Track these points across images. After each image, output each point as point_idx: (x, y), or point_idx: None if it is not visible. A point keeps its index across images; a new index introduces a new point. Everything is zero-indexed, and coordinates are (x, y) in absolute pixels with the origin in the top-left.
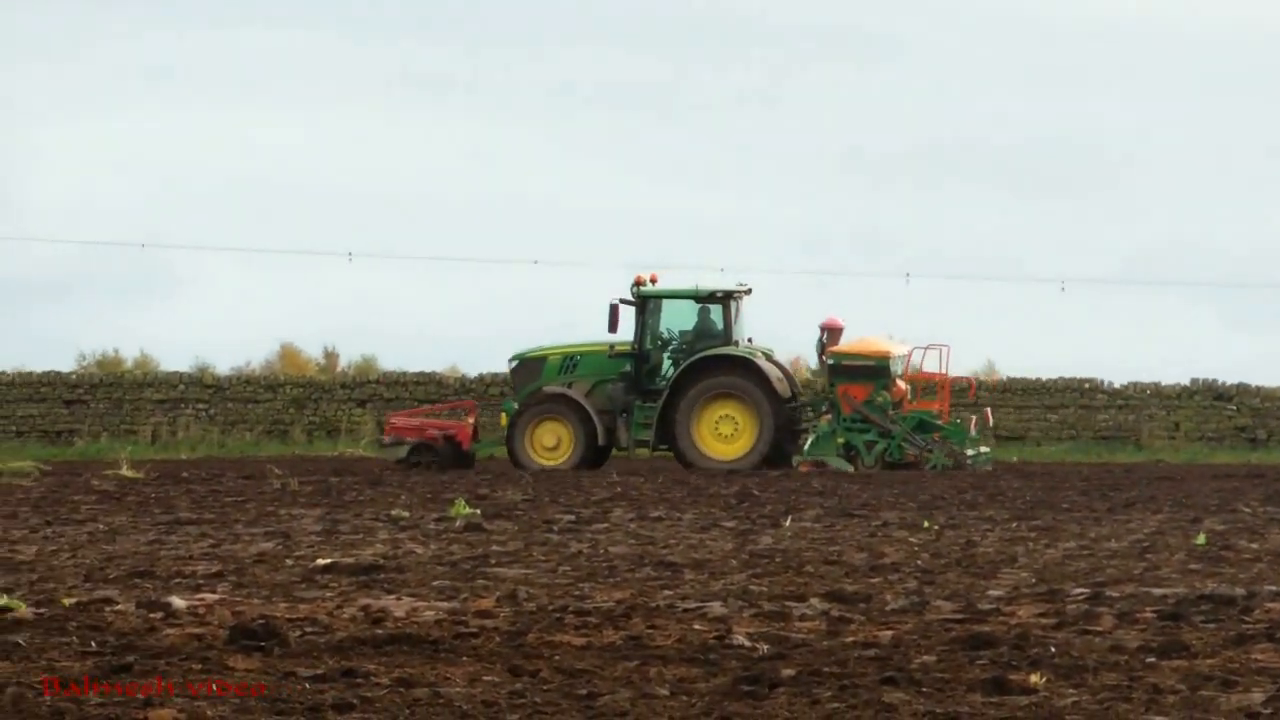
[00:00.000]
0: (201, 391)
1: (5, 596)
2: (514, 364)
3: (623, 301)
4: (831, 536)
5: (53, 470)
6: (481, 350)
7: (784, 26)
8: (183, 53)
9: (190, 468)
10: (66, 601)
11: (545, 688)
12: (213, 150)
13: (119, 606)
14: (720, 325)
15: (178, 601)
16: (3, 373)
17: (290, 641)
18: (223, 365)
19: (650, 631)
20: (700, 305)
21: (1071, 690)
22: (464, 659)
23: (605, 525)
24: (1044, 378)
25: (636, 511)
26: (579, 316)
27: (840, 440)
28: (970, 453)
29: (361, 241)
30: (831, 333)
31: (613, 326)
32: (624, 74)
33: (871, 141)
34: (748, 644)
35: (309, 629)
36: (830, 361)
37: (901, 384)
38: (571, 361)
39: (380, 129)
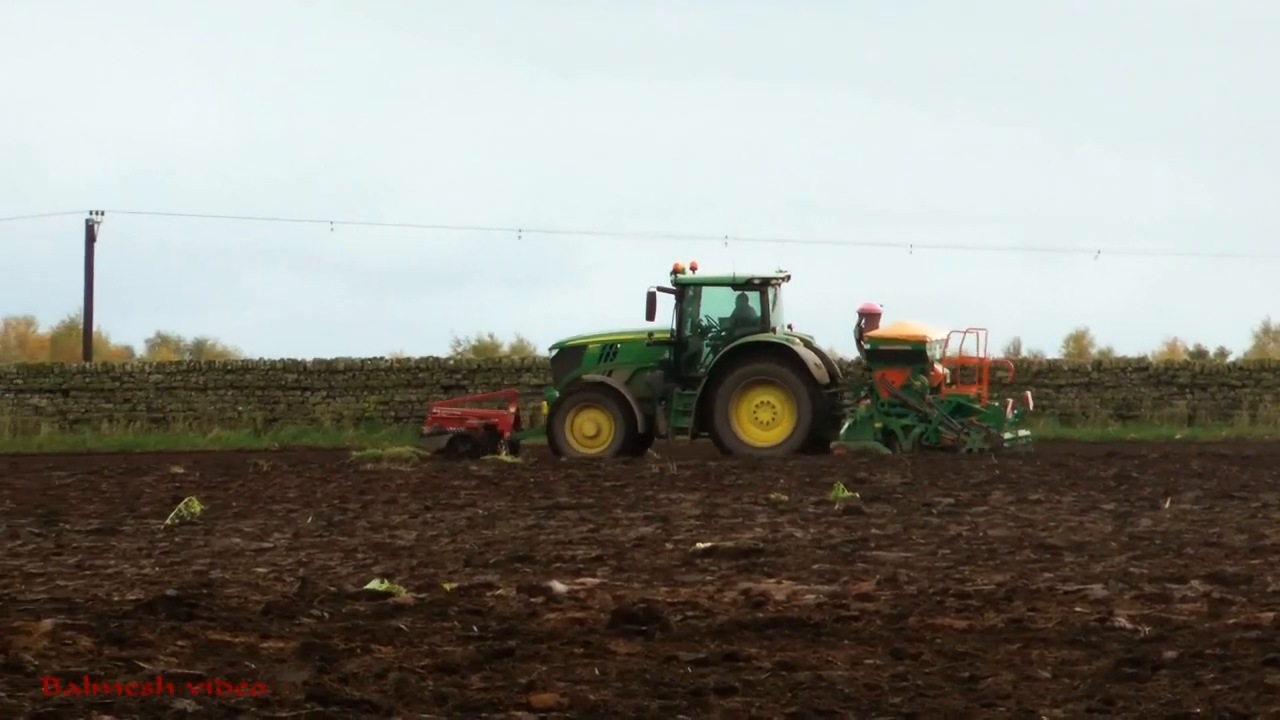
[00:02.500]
0: None
1: (387, 582)
2: (554, 352)
3: (661, 289)
4: (1211, 518)
5: (431, 455)
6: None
7: None
8: (581, 37)
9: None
10: (447, 586)
11: (927, 671)
12: (593, 138)
13: (499, 591)
14: (758, 312)
15: (558, 586)
16: (381, 359)
17: (671, 625)
18: None
19: (1031, 614)
20: (738, 292)
21: None
22: (845, 642)
23: (984, 508)
24: None
25: (1015, 494)
26: None
27: (878, 425)
28: (1008, 436)
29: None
30: (869, 318)
31: (650, 314)
32: None
33: None
34: (1129, 626)
35: (690, 613)
36: (868, 346)
37: (940, 368)
38: (611, 350)
39: (750, 113)
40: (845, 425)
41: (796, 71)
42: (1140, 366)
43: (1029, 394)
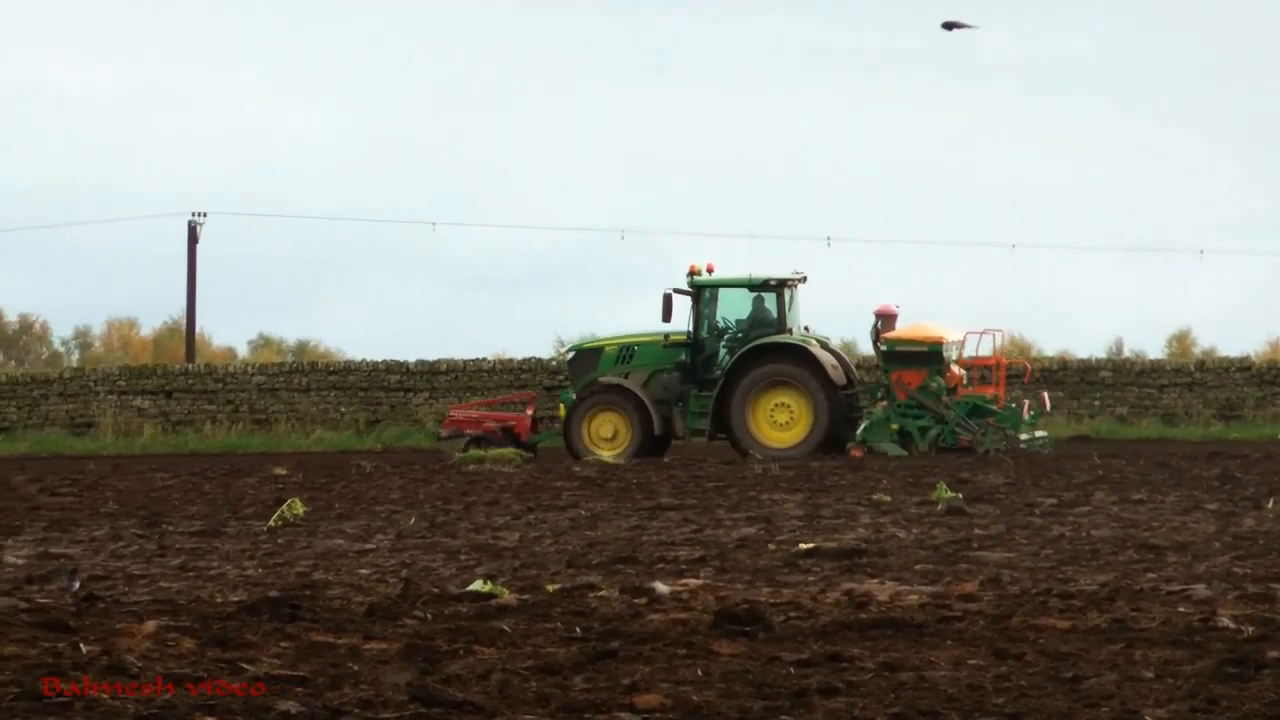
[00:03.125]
0: None
1: (490, 583)
2: (571, 355)
3: (677, 291)
4: None
5: (534, 456)
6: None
7: None
8: (687, 39)
9: (671, 453)
10: (550, 587)
11: (1030, 671)
12: (697, 140)
13: (602, 592)
14: (774, 314)
15: (661, 587)
16: (483, 360)
17: (774, 626)
18: None
19: (1134, 614)
20: (754, 294)
21: None
22: (948, 643)
23: (1087, 508)
24: None
25: (1118, 494)
26: None
27: (894, 426)
28: (1024, 437)
29: (840, 227)
30: (886, 319)
31: (666, 316)
32: None
33: None
34: (1232, 626)
35: (792, 613)
36: (884, 348)
37: (956, 369)
38: (628, 352)
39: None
40: (862, 426)
41: (907, 73)
42: (1243, 366)
43: (1046, 395)
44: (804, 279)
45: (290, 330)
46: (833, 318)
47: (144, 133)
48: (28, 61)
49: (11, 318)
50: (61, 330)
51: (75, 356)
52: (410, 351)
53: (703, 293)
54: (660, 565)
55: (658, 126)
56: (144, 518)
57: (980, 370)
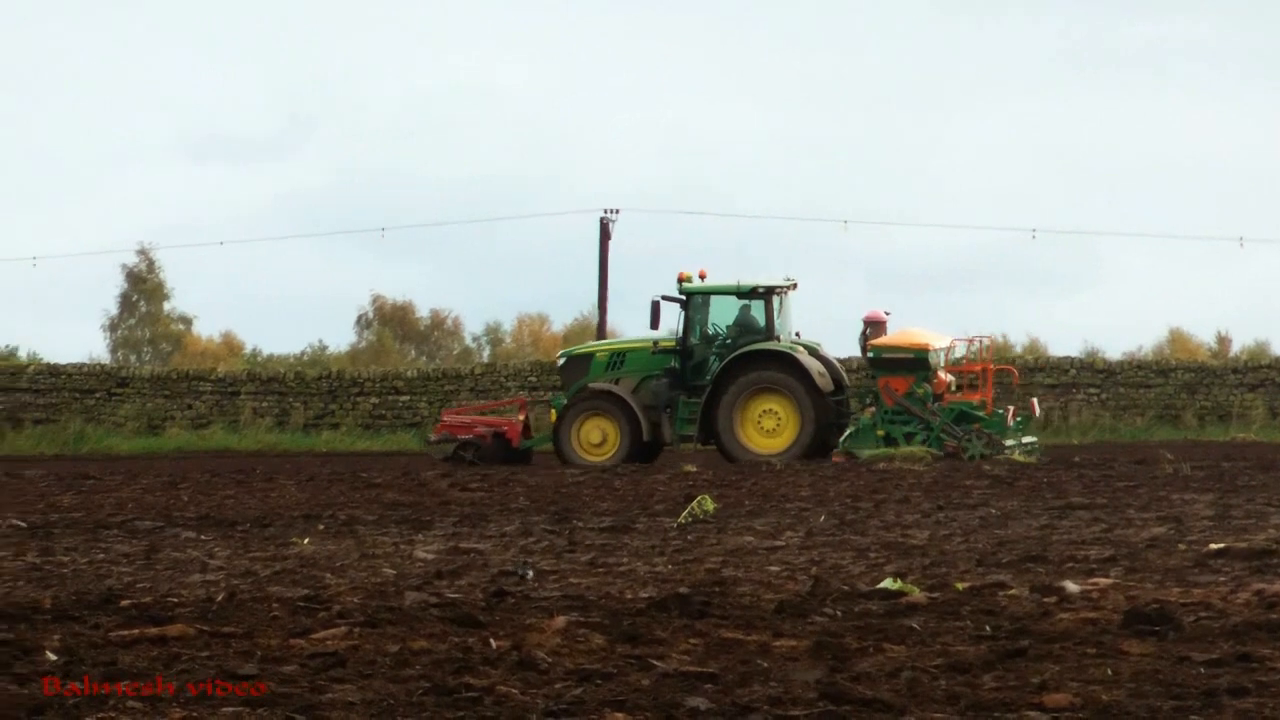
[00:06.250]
0: (1093, 376)
1: (899, 581)
2: (562, 361)
3: (665, 298)
4: None
5: (944, 455)
6: None
7: None
8: (1102, 37)
9: (1082, 452)
10: (959, 586)
11: None
12: (1110, 139)
13: (1012, 591)
14: (762, 321)
15: (1071, 586)
16: None
17: (1184, 626)
18: (1113, 350)
19: None
20: (742, 301)
21: None
22: None
23: None
24: None
25: None
26: None
27: (880, 433)
28: (1009, 443)
29: (1254, 227)
30: (874, 326)
31: (654, 323)
32: None
33: None
34: None
35: (1203, 613)
36: (871, 354)
37: (944, 375)
38: (618, 358)
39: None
40: (847, 432)
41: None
42: None
43: (1035, 400)
44: (794, 286)
45: None
46: (1254, 318)
47: (560, 130)
48: (464, 60)
49: (423, 313)
50: (473, 326)
51: (486, 352)
52: None
53: (692, 300)
54: (1070, 564)
55: (1074, 125)
56: (554, 513)
57: (969, 376)
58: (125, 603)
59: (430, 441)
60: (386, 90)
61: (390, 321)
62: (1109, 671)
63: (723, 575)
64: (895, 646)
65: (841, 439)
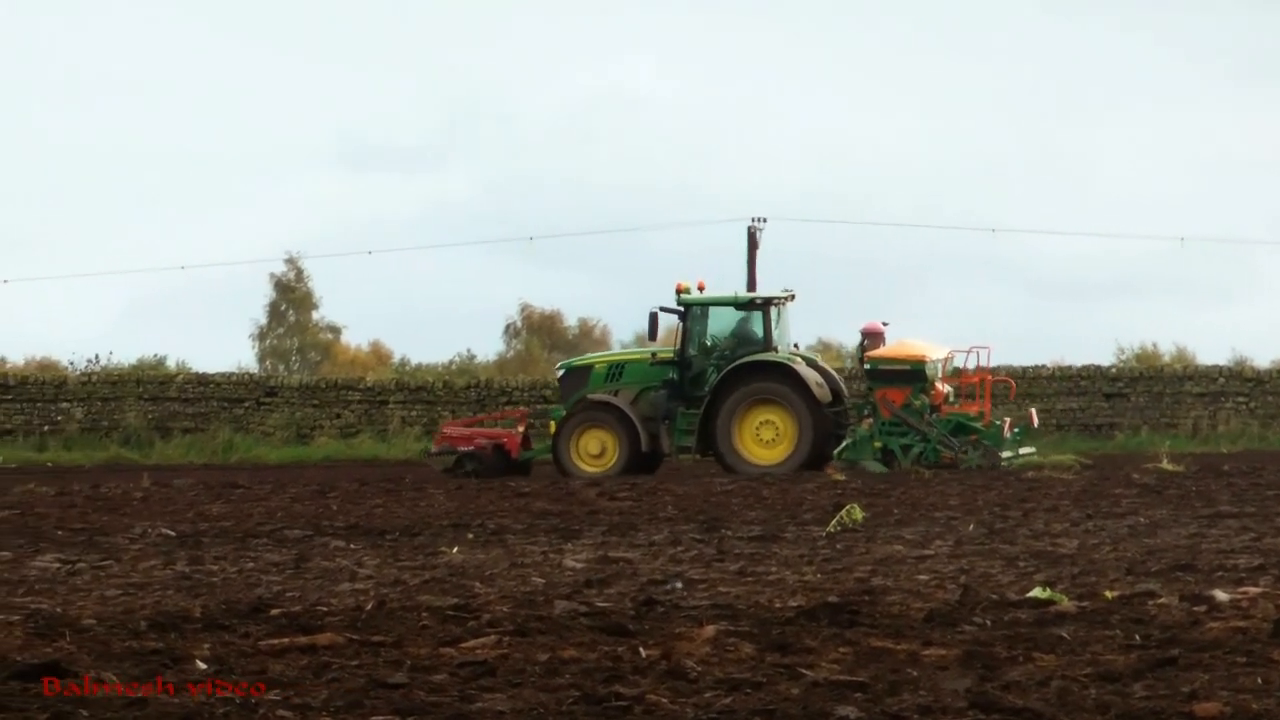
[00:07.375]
0: (1241, 385)
1: (1048, 590)
2: (561, 372)
3: (663, 310)
4: None
5: (1093, 464)
6: None
7: None
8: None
9: (1230, 461)
10: (1108, 594)
11: None
12: (1262, 145)
13: (1161, 599)
14: (761, 332)
15: (1220, 594)
16: (1042, 366)
17: None
18: (1262, 359)
19: None
20: (741, 312)
21: None
22: None
23: None
24: None
25: None
26: None
27: (878, 444)
28: (1006, 454)
29: None
30: (871, 337)
31: (653, 334)
32: None
33: None
34: None
35: None
36: (868, 366)
37: (941, 386)
38: (617, 369)
39: None
40: (844, 443)
41: None
42: None
43: (1033, 411)
44: (792, 297)
45: (850, 335)
46: None
47: (711, 137)
48: (615, 70)
49: (571, 322)
50: (621, 335)
51: None
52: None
53: (690, 311)
54: (1219, 573)
55: (1224, 132)
56: (703, 523)
57: (967, 387)
58: (275, 612)
59: (431, 454)
60: (538, 100)
61: (538, 330)
62: (1259, 680)
63: (872, 584)
64: (1045, 655)
65: (838, 450)
